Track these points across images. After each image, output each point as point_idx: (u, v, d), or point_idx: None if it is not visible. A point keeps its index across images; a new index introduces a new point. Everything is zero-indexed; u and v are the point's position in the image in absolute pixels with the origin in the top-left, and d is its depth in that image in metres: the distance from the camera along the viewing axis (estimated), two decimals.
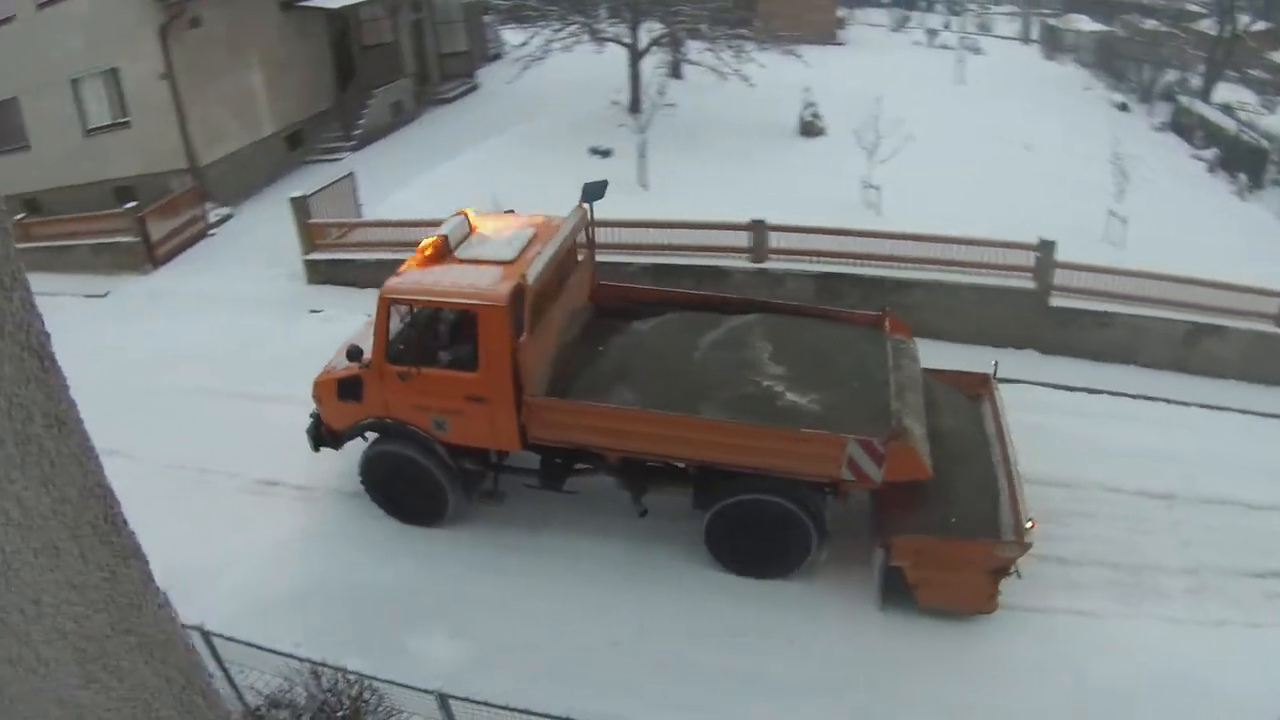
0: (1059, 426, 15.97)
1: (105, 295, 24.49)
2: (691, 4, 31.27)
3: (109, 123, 30.46)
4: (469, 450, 13.44)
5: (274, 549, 14.00)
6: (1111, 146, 24.52)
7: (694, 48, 32.33)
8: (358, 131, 33.12)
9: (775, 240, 19.14)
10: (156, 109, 28.86)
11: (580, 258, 14.83)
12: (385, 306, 12.65)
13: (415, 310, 13.35)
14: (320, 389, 13.92)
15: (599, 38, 32.05)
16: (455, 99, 37.48)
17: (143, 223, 25.94)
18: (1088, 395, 17.57)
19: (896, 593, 12.36)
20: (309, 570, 13.57)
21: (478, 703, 9.10)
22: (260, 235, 25.52)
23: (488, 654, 11.92)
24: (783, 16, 36.94)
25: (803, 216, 19.36)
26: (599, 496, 13.78)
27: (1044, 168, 26.71)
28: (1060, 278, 18.48)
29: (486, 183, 22.52)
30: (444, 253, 13.14)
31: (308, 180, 26.31)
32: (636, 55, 31.58)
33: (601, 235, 16.94)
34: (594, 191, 14.78)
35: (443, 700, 9.19)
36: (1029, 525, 11.42)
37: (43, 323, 3.20)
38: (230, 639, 10.05)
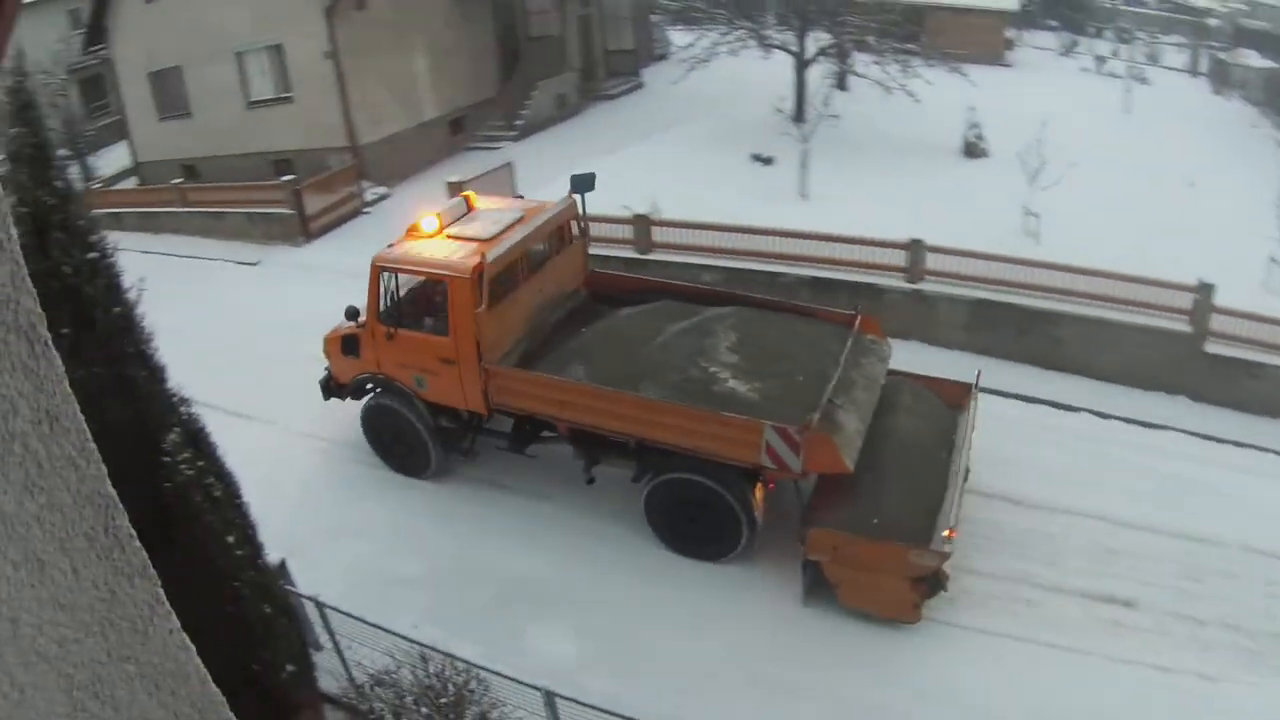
0: (1200, 478, 15.03)
1: (257, 264, 24.86)
2: (860, 15, 30.57)
3: (271, 97, 30.94)
4: (446, 410, 14.51)
5: (399, 526, 14.26)
6: (1277, 188, 23.12)
7: (860, 60, 31.54)
8: (520, 122, 32.92)
9: (932, 261, 18.34)
10: (319, 86, 29.12)
11: (569, 244, 15.87)
12: (375, 273, 14.06)
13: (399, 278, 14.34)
14: (328, 344, 15.41)
15: (766, 44, 31.48)
16: (619, 96, 37.11)
17: (299, 196, 26.29)
18: (1235, 448, 16.23)
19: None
20: (433, 550, 13.73)
21: (585, 705, 8.97)
22: (414, 217, 25.08)
23: (602, 654, 11.78)
24: (950, 34, 36.08)
25: (960, 239, 18.53)
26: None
27: (1206, 206, 25.32)
28: (1218, 323, 17.15)
29: (646, 182, 22.08)
30: (437, 229, 14.57)
31: (466, 166, 26.29)
32: (803, 64, 30.92)
33: (760, 244, 18.44)
34: (582, 183, 15.96)
35: (549, 698, 9.11)
36: (945, 534, 11.39)
37: (36, 301, 2.59)
38: (344, 613, 10.13)
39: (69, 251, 7.68)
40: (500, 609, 12.53)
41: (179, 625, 3.31)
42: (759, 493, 12.55)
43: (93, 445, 2.62)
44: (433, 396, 14.38)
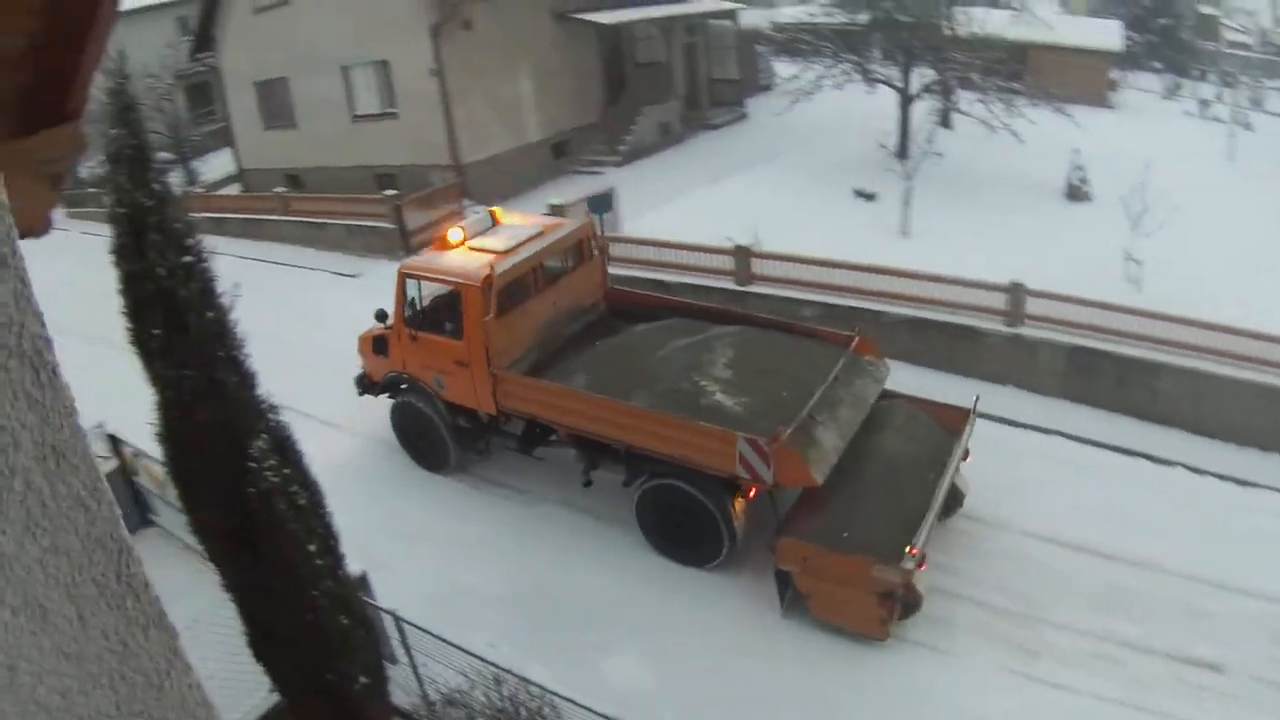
0: None
1: (356, 276, 25.11)
2: (964, 52, 30.18)
3: (376, 112, 31.40)
4: (465, 410, 15.39)
5: (484, 542, 14.40)
6: None
7: (964, 97, 31.14)
8: (623, 147, 32.85)
9: (1032, 306, 17.91)
10: (424, 104, 29.37)
11: (587, 261, 16.60)
12: (401, 279, 15.25)
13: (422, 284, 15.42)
14: (361, 344, 16.63)
15: (870, 78, 31.22)
16: (723, 126, 36.95)
17: (400, 211, 26.47)
18: None
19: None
20: (515, 568, 13.79)
21: None
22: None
23: (671, 684, 11.75)
24: (1054, 73, 35.46)
25: (1060, 283, 18.11)
26: None
27: None
28: None
29: (748, 213, 21.91)
30: (460, 240, 15.48)
31: (568, 190, 26.32)
32: (907, 100, 30.60)
33: (860, 280, 18.49)
34: (600, 204, 17.78)
35: None
36: (908, 551, 11.37)
37: (43, 324, 2.35)
38: (420, 629, 10.13)
39: (164, 254, 7.63)
40: (576, 632, 12.48)
41: (199, 680, 3.07)
42: (739, 503, 12.91)
43: (104, 485, 2.36)
44: (451, 397, 15.32)
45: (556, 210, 21.99)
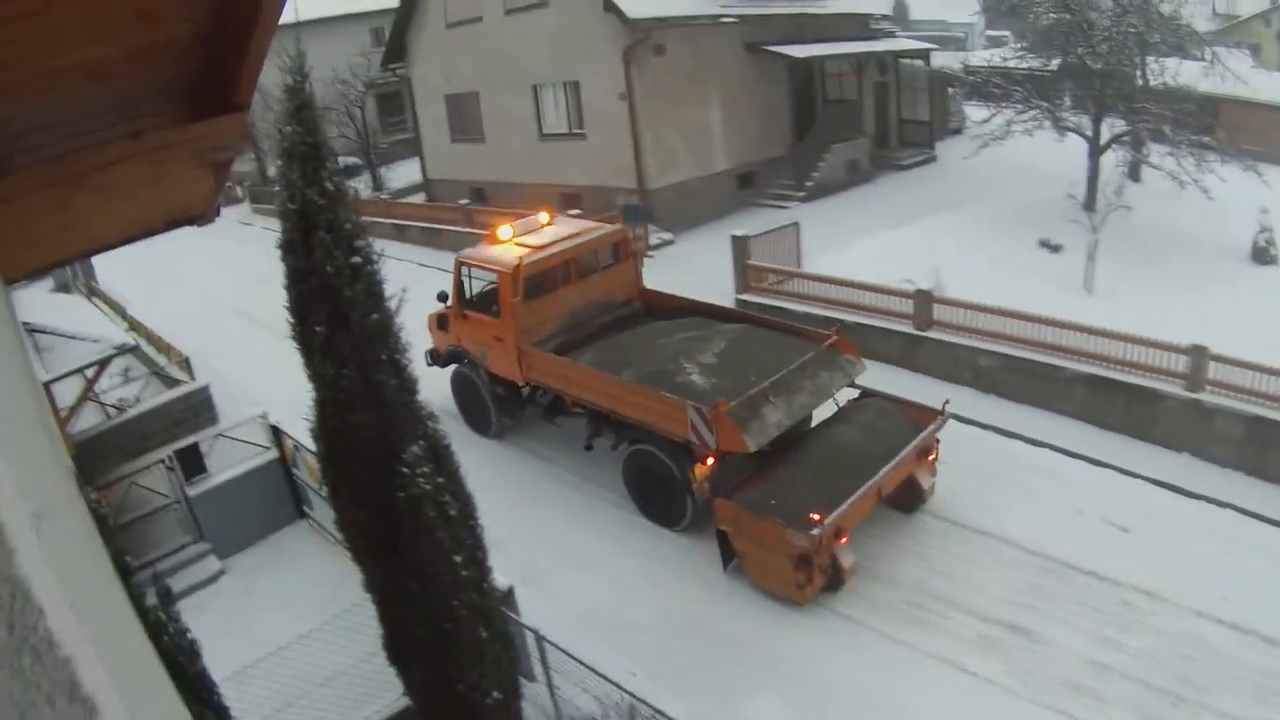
0: None
1: None
2: (1156, 104, 29.23)
3: (564, 132, 31.61)
4: (504, 381, 17.56)
5: (640, 570, 14.18)
6: None
7: (1154, 150, 30.15)
8: (809, 183, 32.36)
9: (1214, 371, 17.14)
10: (613, 127, 29.47)
11: (621, 262, 18.41)
12: (457, 266, 17.74)
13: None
14: (430, 321, 18.85)
15: (1060, 126, 30.44)
16: (911, 167, 36.37)
17: None
18: None
19: None
20: (668, 597, 13.55)
21: None
22: (696, 266, 25.38)
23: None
24: (1247, 130, 34.02)
25: (1242, 348, 17.25)
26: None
27: None
28: None
29: (930, 258, 21.50)
30: (509, 237, 17.54)
31: (752, 222, 26.00)
32: (1096, 150, 29.78)
33: (1040, 333, 17.83)
34: (633, 214, 20.66)
35: None
36: (814, 518, 12.07)
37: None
38: (561, 649, 10.07)
39: (332, 252, 7.71)
40: (721, 669, 12.16)
41: None
42: (700, 469, 14.10)
43: None
44: (492, 368, 17.49)
45: (739, 243, 21.97)
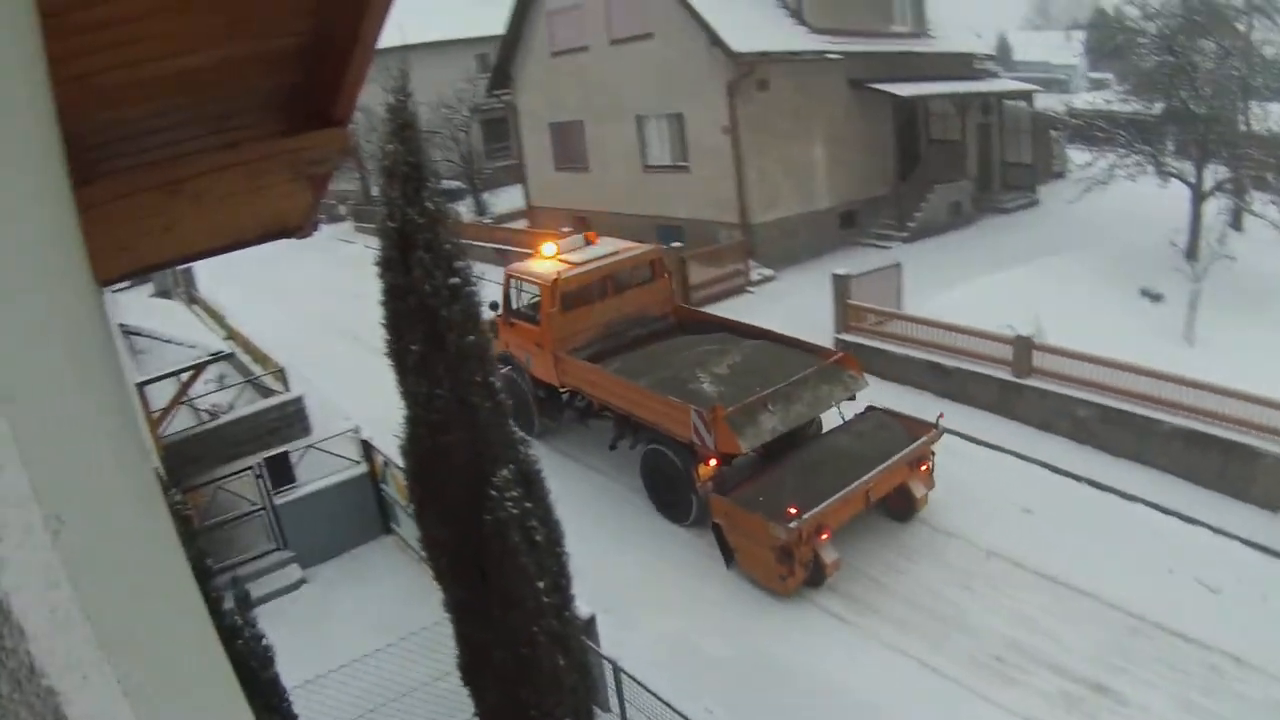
0: None
1: None
2: (1260, 150, 28.56)
3: (667, 164, 31.61)
4: (544, 385, 18.93)
5: (721, 605, 14.08)
6: None
7: (1258, 198, 29.49)
8: (911, 224, 31.94)
9: None
10: (716, 160, 29.40)
11: (655, 280, 19.80)
12: (506, 279, 19.32)
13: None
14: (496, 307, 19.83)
15: (1163, 171, 29.87)
16: (1013, 211, 35.89)
17: (684, 264, 26.51)
18: None
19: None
20: (749, 634, 13.38)
21: None
22: (795, 303, 25.25)
23: None
24: None
25: None
26: None
27: None
28: None
29: (1030, 303, 21.19)
30: (553, 253, 19.06)
31: (853, 261, 25.74)
32: (1199, 196, 29.18)
33: (1139, 384, 17.37)
34: (670, 238, 22.71)
35: None
36: (791, 511, 13.09)
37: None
38: (638, 681, 10.00)
39: (431, 272, 7.78)
40: (798, 712, 11.95)
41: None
42: (703, 469, 14.82)
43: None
44: (535, 372, 18.86)
45: (840, 281, 21.84)
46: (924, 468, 15.49)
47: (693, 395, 15.36)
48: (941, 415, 15.98)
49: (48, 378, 1.11)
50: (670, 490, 16.09)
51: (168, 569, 1.95)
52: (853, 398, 16.40)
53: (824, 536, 13.68)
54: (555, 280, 17.88)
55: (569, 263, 18.61)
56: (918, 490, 15.37)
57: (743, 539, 14.14)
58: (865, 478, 14.34)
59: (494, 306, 18.47)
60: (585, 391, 18.00)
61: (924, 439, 15.39)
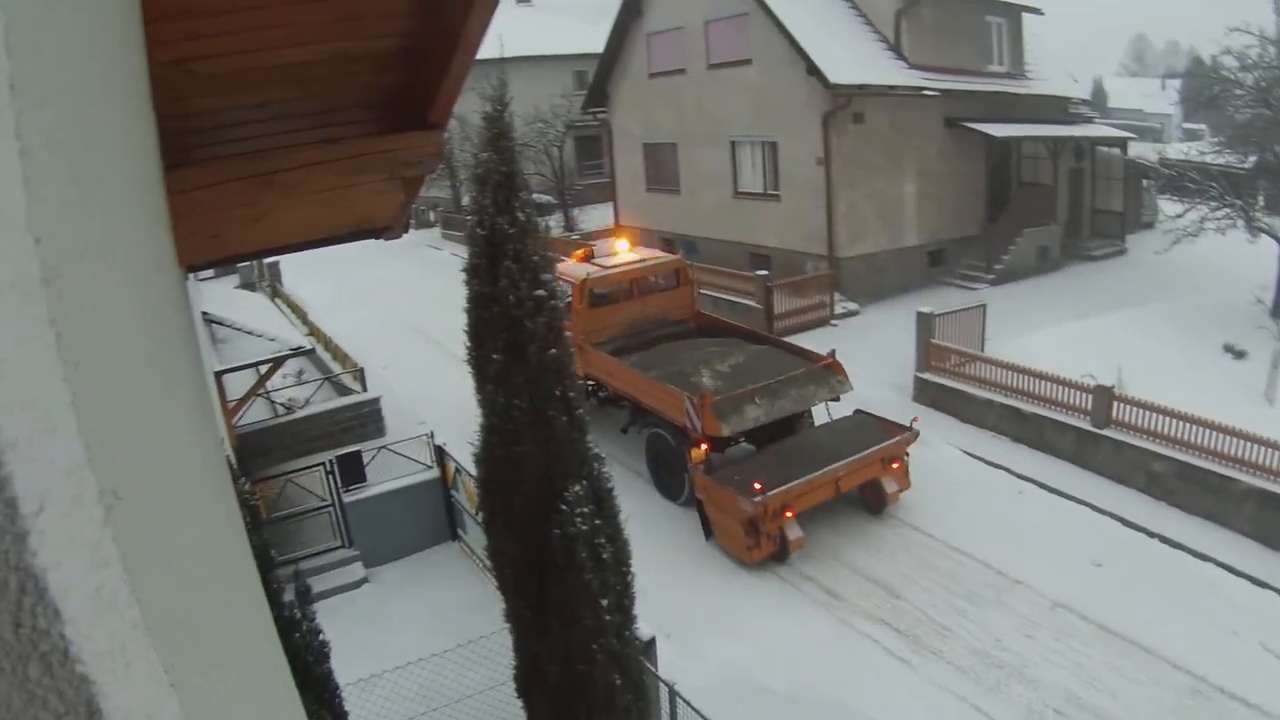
0: None
1: None
2: None
3: (759, 191, 31.60)
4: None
5: (788, 642, 13.86)
6: None
7: None
8: (999, 266, 31.47)
9: None
10: (807, 191, 29.34)
11: (679, 286, 21.93)
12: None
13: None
14: None
15: (1254, 226, 29.33)
16: (1100, 259, 35.37)
17: (770, 293, 26.61)
18: None
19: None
20: (810, 672, 13.19)
21: None
22: (878, 339, 25.24)
23: None
24: None
25: None
26: None
27: None
28: None
29: (1112, 353, 20.88)
30: (592, 257, 21.72)
31: (938, 300, 25.53)
32: None
33: (1214, 441, 16.99)
34: (690, 249, 25.42)
35: None
36: (756, 487, 14.70)
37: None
38: (693, 707, 9.92)
39: (516, 282, 7.78)
40: None
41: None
42: (696, 453, 16.35)
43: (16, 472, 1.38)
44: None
45: (924, 319, 21.75)
46: (896, 466, 17.01)
47: (692, 387, 16.94)
48: (916, 419, 17.41)
49: (119, 350, 1.07)
50: (668, 470, 17.90)
51: (230, 557, 1.92)
52: (837, 398, 17.98)
53: (789, 515, 15.32)
54: (584, 280, 20.15)
55: (600, 266, 21.02)
56: (889, 486, 16.81)
57: (718, 513, 15.69)
58: (832, 467, 15.94)
59: None
60: (603, 380, 20.04)
61: (895, 439, 16.86)
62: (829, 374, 17.93)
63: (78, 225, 0.93)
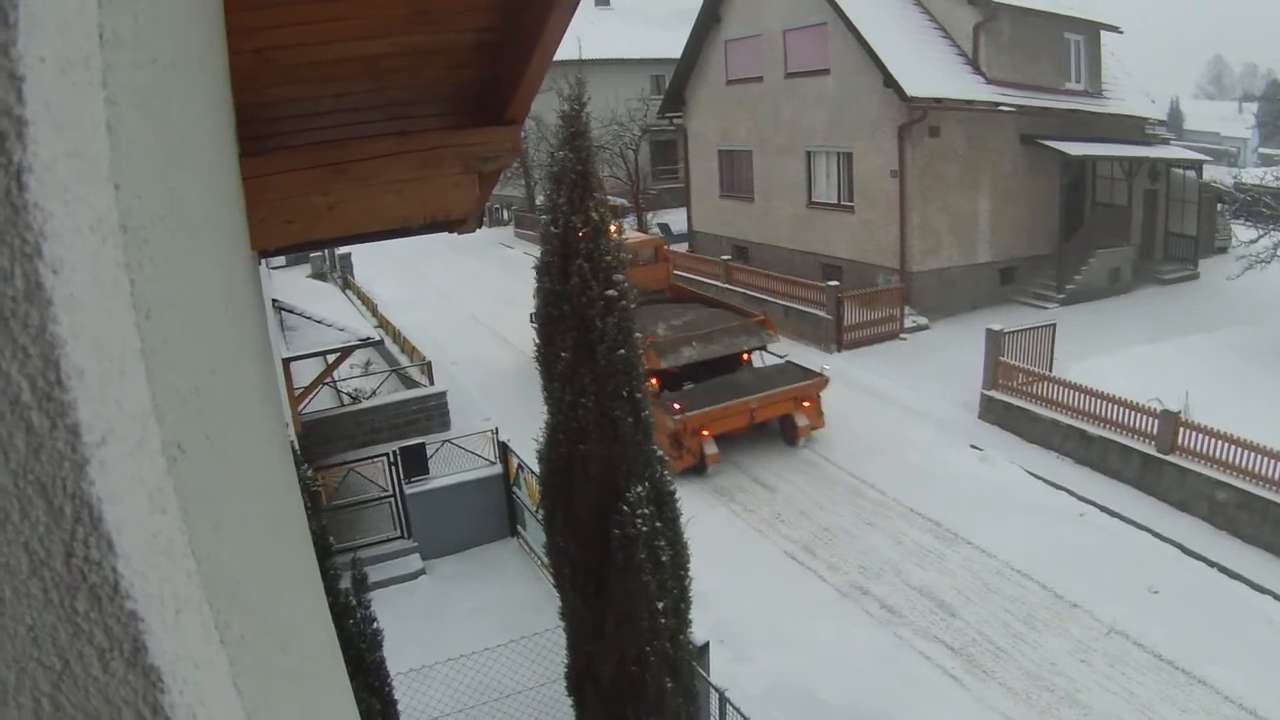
0: None
1: (784, 358, 25.62)
2: None
3: (833, 202, 31.47)
4: None
5: (845, 661, 13.74)
6: None
7: None
8: (1070, 286, 30.94)
9: None
10: (881, 203, 29.23)
11: (657, 261, 26.81)
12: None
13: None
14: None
15: None
16: (1172, 282, 34.79)
17: (840, 304, 26.48)
18: None
19: None
20: (865, 687, 13.11)
21: None
22: (947, 356, 25.12)
23: None
24: None
25: None
26: None
27: None
28: None
29: (1180, 378, 20.59)
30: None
31: (1009, 318, 25.24)
32: None
33: (1277, 470, 16.60)
34: (668, 231, 31.54)
35: None
36: (676, 406, 18.44)
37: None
38: (744, 715, 9.91)
39: (588, 282, 7.81)
40: None
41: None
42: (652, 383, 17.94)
43: (78, 398, 0.63)
44: None
45: (994, 337, 21.53)
46: (808, 405, 20.41)
47: (646, 333, 18.31)
48: (827, 367, 21.41)
49: (190, 311, 1.09)
50: None
51: (288, 534, 1.94)
52: (763, 347, 21.65)
53: (706, 434, 18.80)
54: None
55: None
56: (800, 421, 20.27)
57: (656, 430, 18.20)
58: (745, 399, 19.61)
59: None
60: None
61: (806, 383, 20.43)
62: (760, 328, 21.76)
63: (158, 184, 0.95)
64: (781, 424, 20.60)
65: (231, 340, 1.43)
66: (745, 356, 22.01)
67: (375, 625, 8.38)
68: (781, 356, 21.80)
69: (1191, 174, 36.08)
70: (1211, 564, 16.01)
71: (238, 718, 1.04)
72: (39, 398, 0.81)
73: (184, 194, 1.11)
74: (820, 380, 20.54)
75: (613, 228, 24.37)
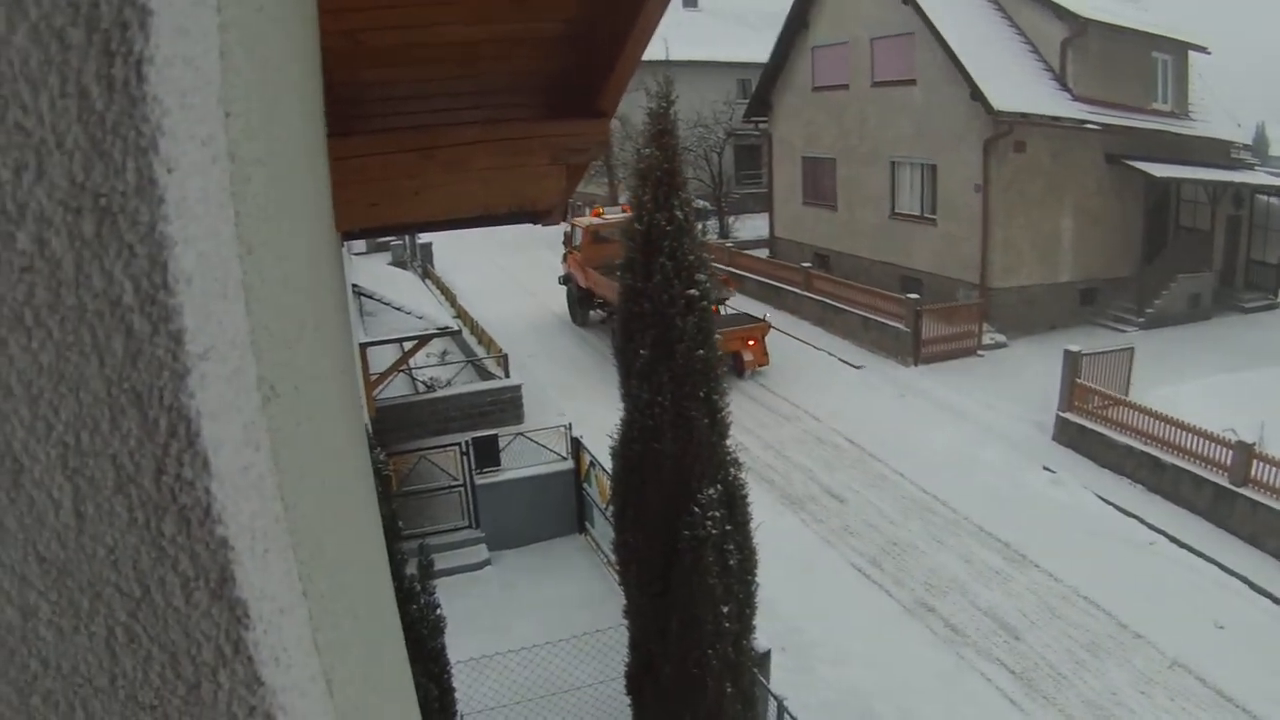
0: None
1: (860, 368, 26.02)
2: None
3: (915, 214, 31.27)
4: (581, 291, 30.71)
5: (910, 686, 13.56)
6: None
7: None
8: (1150, 310, 30.40)
9: None
10: (964, 217, 28.95)
11: None
12: (571, 227, 30.97)
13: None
14: (563, 260, 32.71)
15: None
16: (1252, 311, 33.97)
17: (919, 317, 26.29)
18: None
19: None
20: (918, 708, 13.00)
21: None
22: (1023, 375, 24.92)
23: None
24: None
25: None
26: None
27: None
28: None
29: (1257, 409, 20.23)
30: (601, 215, 30.60)
31: (1087, 340, 25.02)
32: None
33: None
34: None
35: None
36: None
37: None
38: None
39: (670, 280, 7.81)
40: None
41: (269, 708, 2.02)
42: None
43: (186, 307, 0.90)
44: (580, 283, 30.36)
45: (1071, 358, 21.34)
46: (753, 344, 25.25)
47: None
48: (767, 315, 27.01)
49: (284, 263, 1.08)
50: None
51: (362, 506, 1.93)
52: (724, 301, 25.90)
53: None
54: (588, 227, 29.84)
55: (602, 220, 30.05)
56: (746, 357, 24.96)
57: None
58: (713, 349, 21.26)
59: (566, 241, 31.75)
60: (596, 290, 28.69)
61: (750, 325, 25.57)
62: (722, 286, 25.40)
63: (260, 128, 0.94)
64: (734, 359, 24.23)
65: (317, 304, 1.42)
66: (715, 309, 23.74)
67: (438, 612, 8.44)
68: (733, 309, 27.36)
69: (1276, 201, 35.31)
70: (1278, 601, 15.76)
71: (315, 675, 0.99)
72: (142, 300, 0.78)
73: (280, 149, 1.11)
74: (764, 325, 25.81)
75: (616, 210, 27.20)
